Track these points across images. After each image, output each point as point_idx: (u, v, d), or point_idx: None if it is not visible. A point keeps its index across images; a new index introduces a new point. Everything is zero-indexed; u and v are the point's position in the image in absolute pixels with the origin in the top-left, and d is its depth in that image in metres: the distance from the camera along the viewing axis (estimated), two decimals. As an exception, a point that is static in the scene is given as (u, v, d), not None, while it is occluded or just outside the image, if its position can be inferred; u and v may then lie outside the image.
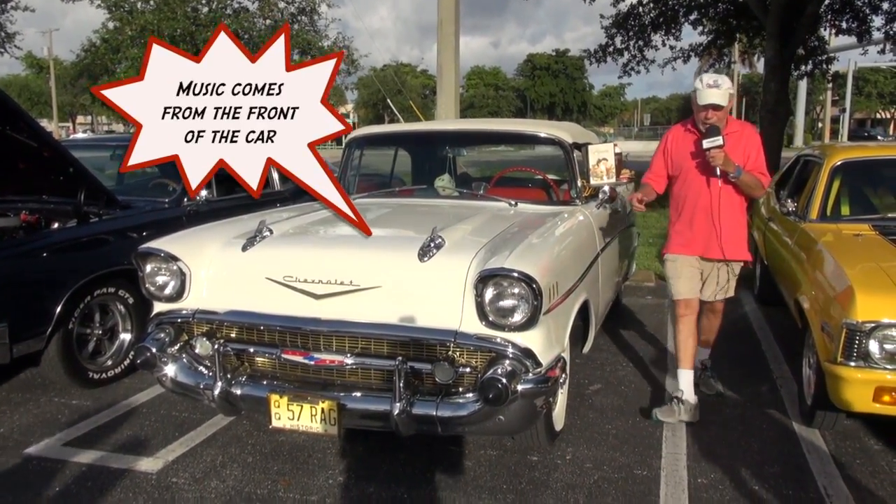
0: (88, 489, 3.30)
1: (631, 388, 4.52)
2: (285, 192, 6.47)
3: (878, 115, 65.96)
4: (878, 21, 13.81)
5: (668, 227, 4.17)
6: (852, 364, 3.26)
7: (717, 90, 3.69)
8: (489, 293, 2.96)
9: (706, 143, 3.64)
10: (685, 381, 4.01)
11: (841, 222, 4.60)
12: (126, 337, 4.74)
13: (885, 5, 14.00)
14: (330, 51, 17.92)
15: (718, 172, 3.76)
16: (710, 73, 3.85)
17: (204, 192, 5.46)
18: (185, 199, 5.36)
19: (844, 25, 14.77)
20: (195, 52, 15.65)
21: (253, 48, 16.61)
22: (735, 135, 3.83)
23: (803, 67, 15.18)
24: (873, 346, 3.22)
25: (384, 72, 44.47)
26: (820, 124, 58.70)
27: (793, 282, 4.50)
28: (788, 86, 13.51)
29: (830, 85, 35.00)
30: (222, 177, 6.31)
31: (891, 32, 14.26)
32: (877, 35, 14.96)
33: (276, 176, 6.57)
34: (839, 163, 4.87)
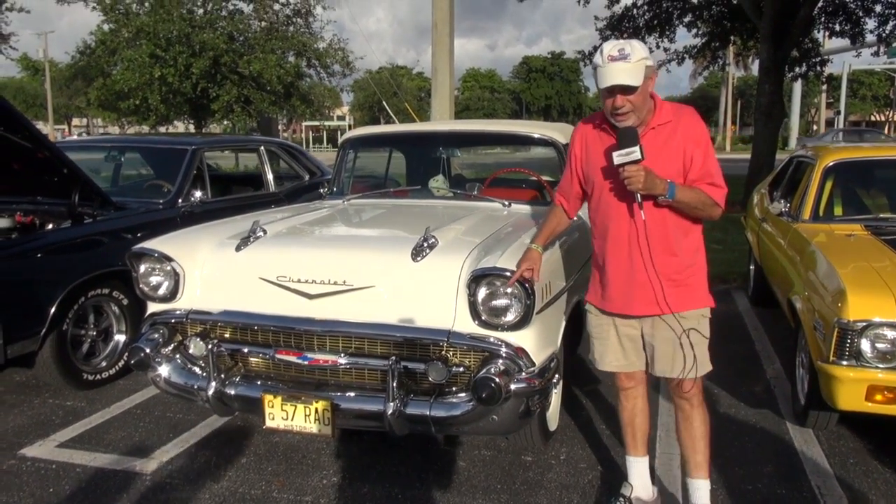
0: (83, 490, 3.30)
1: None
2: (280, 193, 6.48)
3: (873, 118, 66.21)
4: (871, 24, 13.96)
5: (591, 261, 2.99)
6: (844, 363, 3.28)
7: (623, 63, 2.47)
8: (482, 292, 2.97)
9: (617, 158, 2.52)
10: (635, 470, 3.05)
11: (833, 223, 4.62)
12: (120, 338, 4.74)
13: (878, 7, 14.09)
14: (326, 53, 17.93)
15: (639, 198, 2.58)
16: (612, 41, 2.58)
17: (198, 194, 5.47)
18: (180, 201, 5.36)
19: (838, 28, 14.86)
20: (191, 53, 15.77)
21: (248, 50, 16.73)
22: (666, 129, 2.64)
23: (797, 69, 15.24)
24: (865, 346, 3.24)
25: (380, 74, 44.45)
26: (815, 127, 58.91)
27: (786, 282, 4.52)
28: (783, 88, 13.56)
29: (825, 87, 35.23)
30: (216, 178, 6.39)
31: (883, 35, 14.33)
32: (870, 38, 15.05)
33: (270, 178, 6.58)
34: (832, 163, 4.89)
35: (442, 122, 8.74)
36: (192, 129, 19.33)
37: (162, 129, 22.35)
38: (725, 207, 2.73)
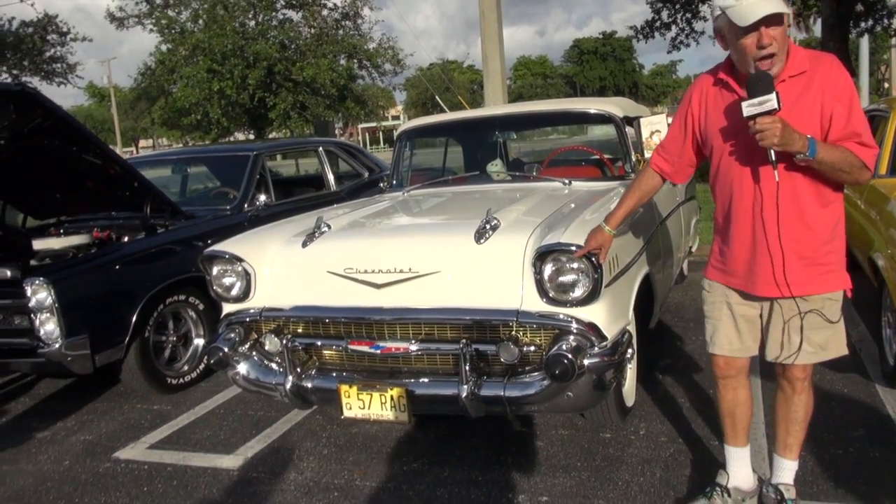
0: (174, 487, 3.42)
1: (702, 361, 4.44)
2: (341, 192, 6.57)
3: (949, 69, 62.84)
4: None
5: (713, 231, 2.73)
6: (934, 318, 3.13)
7: None
8: (548, 269, 2.94)
9: (747, 108, 2.17)
10: (734, 461, 2.81)
11: (913, 175, 4.41)
12: (199, 342, 4.88)
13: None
14: (376, 53, 18.08)
15: (773, 156, 2.22)
16: None
17: (263, 198, 5.59)
18: (246, 206, 5.49)
19: (905, -25, 14.13)
20: (245, 65, 16.09)
21: (300, 57, 16.98)
22: (801, 81, 2.28)
23: (863, 24, 14.56)
24: (956, 298, 3.08)
25: (431, 70, 44.64)
26: (886, 84, 56.32)
27: (865, 241, 4.34)
28: (848, 45, 13.01)
29: (894, 42, 33.55)
30: (279, 181, 6.52)
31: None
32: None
33: (331, 177, 6.69)
34: (907, 114, 4.67)
35: (497, 106, 8.71)
36: (251, 138, 19.79)
37: (223, 141, 22.99)
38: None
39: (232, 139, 21.24)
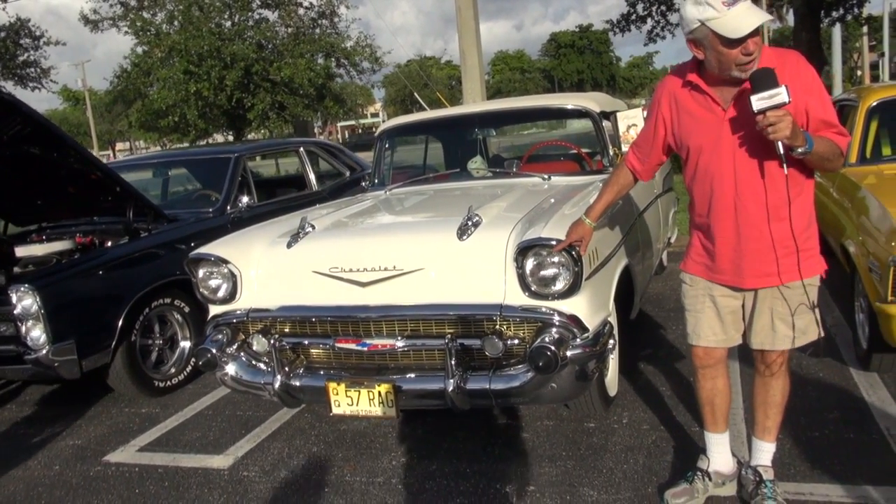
0: (166, 489, 3.46)
1: (683, 350, 4.52)
2: (323, 191, 6.60)
3: (920, 56, 63.71)
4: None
5: (689, 226, 2.78)
6: (903, 302, 3.24)
7: (745, 3, 2.21)
8: (530, 264, 3.01)
9: (757, 103, 2.16)
10: (715, 447, 2.88)
11: (882, 163, 4.54)
12: (185, 345, 4.91)
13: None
14: (353, 52, 18.09)
15: (781, 149, 2.23)
16: None
17: (245, 199, 5.61)
18: (228, 208, 5.51)
19: (873, -34, 14.35)
20: (223, 66, 16.05)
21: (277, 56, 16.96)
22: (777, 73, 2.22)
23: (834, 13, 14.78)
24: (923, 282, 3.19)
25: (409, 67, 44.58)
26: (859, 72, 57.04)
27: (837, 228, 4.45)
28: (820, 35, 13.20)
29: (866, 30, 34.06)
30: (261, 183, 6.54)
31: (923, -33, 13.80)
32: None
33: (312, 177, 6.72)
34: (874, 103, 4.79)
35: (475, 104, 8.77)
36: (230, 139, 19.71)
37: (202, 143, 22.88)
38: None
39: (210, 140, 21.16)
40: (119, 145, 64.18)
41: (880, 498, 2.75)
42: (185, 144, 20.47)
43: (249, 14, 17.34)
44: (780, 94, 2.14)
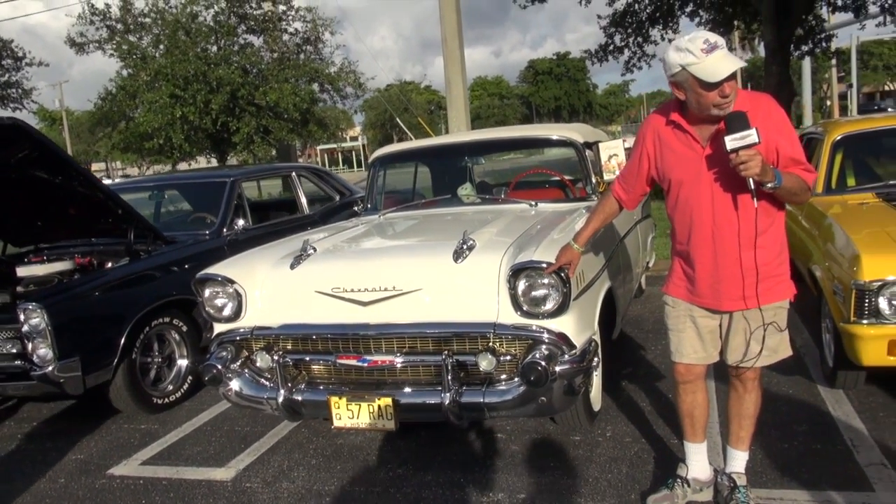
0: (171, 499, 3.60)
1: (663, 368, 4.76)
2: (314, 215, 6.80)
3: (887, 88, 65.50)
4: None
5: (671, 252, 3.00)
6: (865, 322, 3.50)
7: (721, 51, 2.44)
8: (522, 285, 3.24)
9: (731, 142, 2.41)
10: (693, 456, 3.10)
11: (846, 193, 4.84)
12: (183, 363, 5.06)
13: (879, -21, 14.17)
14: (337, 77, 18.39)
15: (752, 185, 2.50)
16: (695, 34, 2.50)
17: (241, 222, 5.80)
18: (224, 230, 5.69)
19: (840, 2, 14.94)
20: (209, 90, 16.22)
21: (262, 81, 17.18)
22: (749, 116, 2.46)
23: (803, 48, 15.33)
24: (882, 303, 3.46)
25: (389, 91, 45.01)
26: (829, 102, 58.44)
27: (805, 254, 4.73)
28: (790, 67, 13.68)
29: (834, 62, 35.07)
30: (254, 206, 6.73)
31: (886, 5, 14.40)
32: (873, 9, 15.11)
33: (304, 201, 6.92)
34: (839, 137, 5.11)
35: (464, 132, 9.06)
36: (214, 162, 19.83)
37: (184, 166, 22.95)
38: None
39: (193, 163, 21.25)
40: (94, 166, 63.75)
41: (843, 501, 2.99)
42: (163, 167, 20.55)
43: (235, 39, 17.59)
44: (751, 136, 2.39)
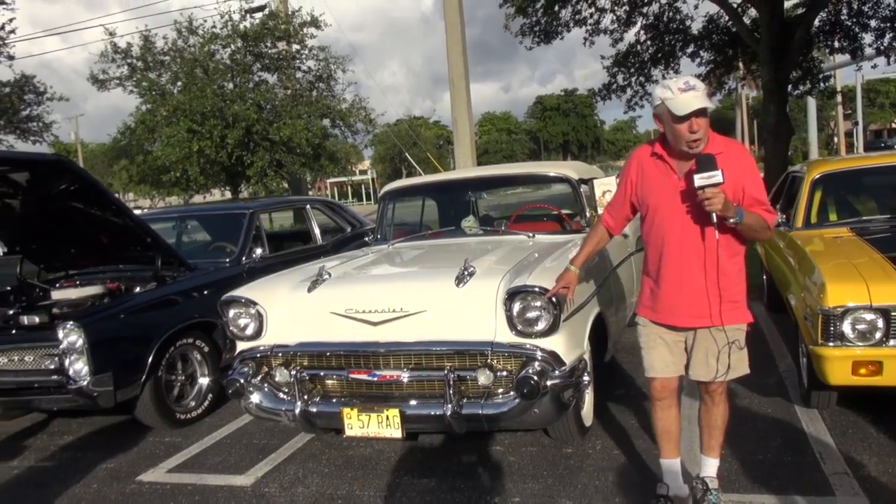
0: (197, 502, 3.94)
1: (650, 391, 5.06)
2: (327, 245, 7.20)
3: (894, 125, 66.04)
4: (868, 37, 14.51)
5: (642, 273, 3.32)
6: (831, 344, 3.83)
7: (694, 92, 2.81)
8: (517, 307, 3.61)
9: (699, 181, 2.75)
10: (670, 473, 3.37)
11: (823, 228, 5.20)
12: (204, 381, 5.41)
13: (873, 23, 14.65)
14: (348, 113, 18.99)
15: (714, 219, 2.86)
16: (681, 76, 2.94)
17: (259, 251, 6.20)
18: (244, 259, 6.09)
19: (836, 45, 15.42)
20: (224, 125, 16.79)
21: (276, 117, 17.76)
22: (720, 159, 2.81)
23: (801, 87, 15.77)
24: (846, 328, 3.79)
25: (398, 126, 45.82)
26: (836, 139, 58.94)
27: (785, 283, 5.08)
28: (787, 107, 14.09)
29: (840, 100, 35.56)
30: (270, 236, 7.14)
31: (882, 48, 14.85)
32: (869, 51, 15.58)
33: (317, 232, 7.32)
34: (818, 176, 5.49)
35: (468, 169, 9.51)
36: (228, 195, 20.36)
37: (198, 198, 23.52)
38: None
39: (208, 195, 21.79)
40: (109, 198, 64.63)
41: (806, 504, 3.31)
42: (176, 199, 20.97)
43: (250, 77, 18.22)
44: (717, 176, 2.75)
